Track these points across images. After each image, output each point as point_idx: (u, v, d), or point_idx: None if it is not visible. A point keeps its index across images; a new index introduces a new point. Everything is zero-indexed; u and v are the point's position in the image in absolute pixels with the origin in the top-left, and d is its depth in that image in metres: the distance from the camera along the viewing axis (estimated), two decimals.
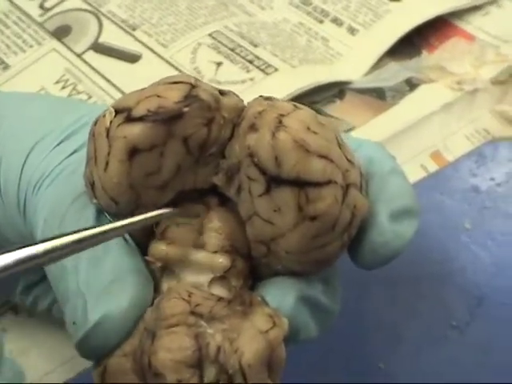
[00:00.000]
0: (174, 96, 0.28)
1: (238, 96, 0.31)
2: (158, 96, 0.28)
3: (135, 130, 0.28)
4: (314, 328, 0.30)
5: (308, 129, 0.28)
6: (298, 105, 0.29)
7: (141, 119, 0.28)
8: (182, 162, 0.29)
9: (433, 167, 0.49)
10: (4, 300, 0.42)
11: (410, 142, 0.50)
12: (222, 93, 0.30)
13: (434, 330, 0.42)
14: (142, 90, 0.29)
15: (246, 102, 0.30)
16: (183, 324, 0.27)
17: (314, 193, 0.28)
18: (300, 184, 0.27)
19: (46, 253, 0.25)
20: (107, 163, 0.29)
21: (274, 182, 0.28)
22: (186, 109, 0.28)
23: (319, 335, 0.31)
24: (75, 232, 0.26)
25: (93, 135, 0.30)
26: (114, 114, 0.29)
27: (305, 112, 0.29)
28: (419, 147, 0.50)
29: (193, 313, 0.28)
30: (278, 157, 0.27)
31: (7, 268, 0.24)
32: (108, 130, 0.29)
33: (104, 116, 0.29)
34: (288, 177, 0.27)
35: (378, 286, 0.43)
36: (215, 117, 0.29)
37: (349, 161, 0.29)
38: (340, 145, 0.29)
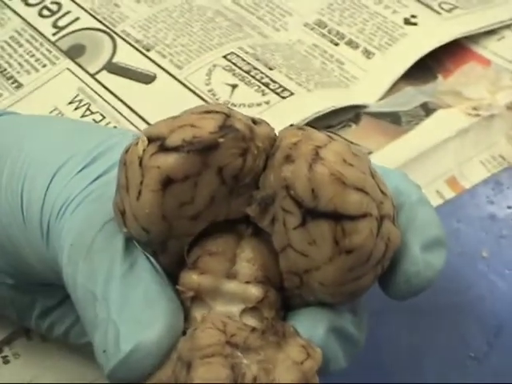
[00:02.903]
0: (209, 126, 0.28)
1: (269, 125, 0.30)
2: (193, 126, 0.28)
3: (170, 161, 0.28)
4: (343, 359, 0.30)
5: (344, 161, 0.28)
6: (332, 135, 0.29)
7: (175, 149, 0.28)
8: (215, 193, 0.29)
9: (449, 194, 0.49)
10: (19, 325, 0.42)
11: (425, 167, 0.50)
12: (254, 121, 0.30)
13: (452, 360, 0.41)
14: (174, 118, 0.29)
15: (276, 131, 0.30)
16: (219, 354, 0.27)
17: (351, 226, 0.27)
18: (336, 217, 0.27)
19: None
20: (140, 192, 0.28)
21: (309, 214, 0.27)
22: (221, 139, 0.28)
23: (347, 366, 0.31)
24: None
25: (124, 163, 0.29)
26: (146, 142, 0.28)
27: (340, 143, 0.28)
28: (435, 173, 0.50)
29: (228, 343, 0.27)
30: (315, 190, 0.27)
31: None
32: (141, 159, 0.28)
33: (136, 144, 0.29)
34: (325, 210, 0.27)
35: (396, 314, 0.42)
36: (250, 147, 0.29)
37: (382, 192, 0.29)
38: (373, 176, 0.29)
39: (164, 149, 0.28)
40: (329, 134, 0.29)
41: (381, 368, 0.41)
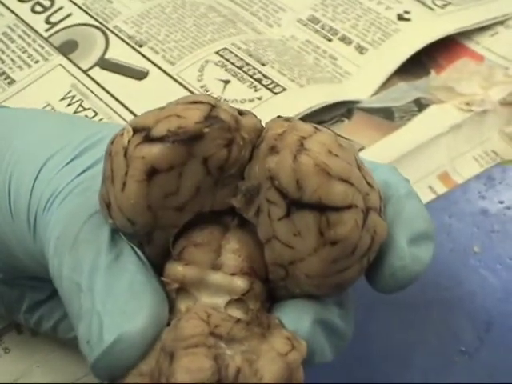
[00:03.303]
0: (194, 116, 0.28)
1: (256, 116, 0.30)
2: (178, 116, 0.28)
3: (154, 151, 0.28)
4: (328, 351, 0.30)
5: (329, 152, 0.27)
6: (318, 126, 0.29)
7: (160, 139, 0.28)
8: (201, 183, 0.29)
9: (441, 189, 0.49)
10: (9, 320, 0.42)
11: (418, 163, 0.49)
12: (240, 113, 0.30)
13: (443, 355, 0.41)
14: (161, 108, 0.29)
15: (263, 122, 0.30)
16: (202, 345, 0.27)
17: (336, 217, 0.27)
18: (321, 208, 0.27)
19: None
20: (124, 183, 0.28)
21: (294, 205, 0.27)
22: (206, 129, 0.28)
23: (333, 359, 0.31)
24: None
25: (109, 154, 0.29)
26: (132, 132, 0.28)
27: (326, 134, 0.28)
28: (427, 168, 0.50)
29: (212, 334, 0.27)
30: (300, 181, 0.27)
31: None
32: (126, 150, 0.28)
33: (122, 135, 0.29)
34: (309, 201, 0.27)
35: (386, 309, 0.42)
36: (235, 138, 0.29)
37: (368, 184, 0.29)
38: (360, 167, 0.29)
39: (149, 139, 0.28)
40: (315, 125, 0.29)
41: (370, 362, 0.41)
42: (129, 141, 0.28)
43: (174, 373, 0.26)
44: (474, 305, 0.43)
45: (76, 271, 0.29)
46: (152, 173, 0.28)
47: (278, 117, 0.30)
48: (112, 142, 0.29)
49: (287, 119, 0.29)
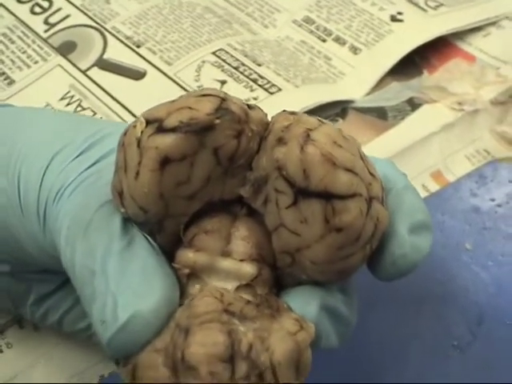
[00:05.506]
0: (205, 108, 0.29)
1: (262, 110, 0.31)
2: (190, 108, 0.29)
3: (167, 141, 0.28)
4: (334, 337, 0.31)
5: (335, 143, 0.29)
6: (322, 120, 0.30)
7: (173, 130, 0.29)
8: (211, 173, 0.30)
9: (434, 187, 0.50)
10: (13, 313, 0.43)
11: (411, 161, 0.50)
12: (249, 106, 0.31)
13: (436, 349, 0.42)
14: (172, 101, 0.30)
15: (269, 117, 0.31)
16: (217, 321, 0.28)
17: (341, 205, 0.28)
18: (327, 197, 0.28)
19: None
20: (138, 172, 0.29)
21: (301, 194, 0.28)
22: (217, 121, 0.29)
23: (339, 345, 0.32)
24: None
25: (122, 145, 0.30)
26: (144, 124, 0.29)
27: (330, 127, 0.29)
28: (420, 167, 0.50)
29: (226, 311, 0.28)
30: (307, 170, 0.28)
31: None
32: (139, 140, 0.29)
33: (134, 126, 0.30)
34: (316, 189, 0.28)
35: (381, 305, 0.43)
36: (244, 129, 0.30)
37: (371, 174, 0.30)
38: (363, 158, 0.30)
39: (162, 130, 0.29)
40: (319, 118, 0.30)
41: (365, 357, 0.42)
42: (142, 132, 0.29)
43: (188, 346, 0.27)
44: (466, 300, 0.44)
45: (89, 257, 0.30)
46: (165, 162, 0.29)
47: (284, 111, 0.31)
48: (125, 134, 0.30)
49: (292, 113, 0.30)
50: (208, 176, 0.30)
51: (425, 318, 0.43)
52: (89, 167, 0.34)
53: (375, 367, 0.42)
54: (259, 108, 0.31)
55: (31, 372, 0.42)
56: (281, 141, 0.29)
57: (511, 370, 0.41)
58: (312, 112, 0.52)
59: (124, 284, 0.29)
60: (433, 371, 0.41)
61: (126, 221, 0.31)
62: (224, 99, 0.29)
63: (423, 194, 0.49)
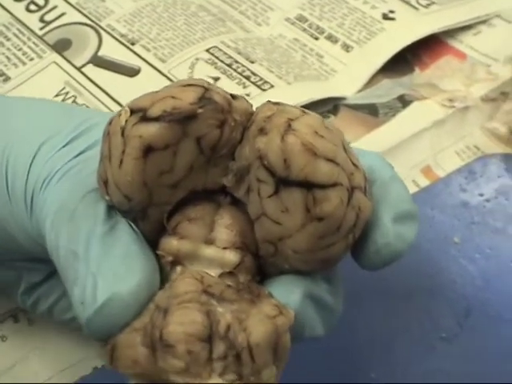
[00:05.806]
0: (188, 98, 0.29)
1: (248, 101, 0.32)
2: (173, 97, 0.29)
3: (151, 130, 0.29)
4: (319, 326, 0.32)
5: (316, 133, 0.29)
6: (305, 110, 0.30)
7: (156, 119, 0.29)
8: (194, 162, 0.30)
9: (424, 182, 0.50)
10: (6, 308, 0.43)
11: (402, 157, 0.51)
12: (233, 96, 0.31)
13: (424, 341, 0.43)
14: (156, 92, 0.30)
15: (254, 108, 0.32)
16: (196, 301, 0.28)
17: (321, 195, 0.29)
18: (308, 186, 0.28)
19: None
20: (122, 161, 0.30)
21: (282, 183, 0.29)
22: (200, 110, 0.29)
23: (324, 335, 0.32)
24: None
25: (107, 134, 0.30)
26: (129, 113, 0.30)
27: (312, 117, 0.30)
28: (411, 163, 0.51)
29: (205, 292, 0.29)
30: (287, 159, 0.28)
31: None
32: (123, 129, 0.30)
33: (119, 115, 0.30)
34: (296, 179, 0.28)
35: (370, 298, 0.44)
36: (227, 119, 0.30)
37: (354, 164, 0.30)
38: (345, 149, 0.30)
39: (146, 119, 0.29)
40: (303, 109, 0.30)
41: (354, 349, 0.42)
42: (126, 121, 0.30)
43: (167, 325, 0.28)
44: (453, 292, 0.44)
45: (72, 241, 0.31)
46: (148, 151, 0.29)
47: (268, 101, 0.31)
48: (110, 123, 0.31)
49: (276, 103, 0.31)
50: (191, 165, 0.30)
51: (413, 310, 0.44)
52: (76, 156, 0.34)
53: (364, 360, 0.42)
54: (244, 98, 0.32)
55: (25, 364, 0.42)
56: (262, 131, 0.29)
57: (498, 361, 0.42)
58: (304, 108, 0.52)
59: (105, 267, 0.30)
60: (420, 362, 0.42)
61: (111, 207, 0.31)
62: (207, 89, 0.30)
63: (414, 189, 0.50)
